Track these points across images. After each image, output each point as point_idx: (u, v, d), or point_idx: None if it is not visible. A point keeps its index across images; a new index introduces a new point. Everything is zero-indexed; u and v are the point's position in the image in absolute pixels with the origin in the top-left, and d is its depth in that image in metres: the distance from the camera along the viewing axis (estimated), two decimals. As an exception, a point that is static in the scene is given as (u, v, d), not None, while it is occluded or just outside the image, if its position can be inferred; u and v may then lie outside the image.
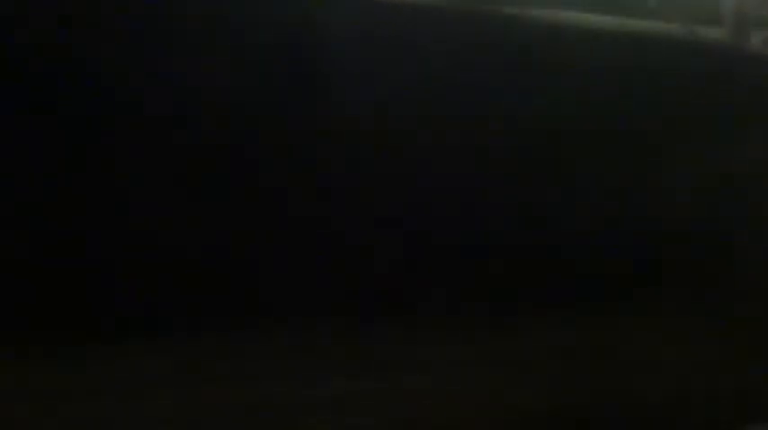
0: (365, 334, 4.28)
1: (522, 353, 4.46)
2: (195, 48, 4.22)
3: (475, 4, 4.78)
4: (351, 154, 4.52)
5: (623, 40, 5.36)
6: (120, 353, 3.77)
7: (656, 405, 4.38)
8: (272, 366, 3.98)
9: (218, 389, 3.74)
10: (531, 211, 4.98)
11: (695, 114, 5.59)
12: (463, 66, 4.71)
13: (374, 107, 4.53)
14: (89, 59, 3.99)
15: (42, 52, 3.92)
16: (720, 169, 5.62)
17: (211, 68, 4.23)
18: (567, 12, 5.27)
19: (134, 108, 4.13)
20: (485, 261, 4.78)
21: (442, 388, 4.12)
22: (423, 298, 4.59)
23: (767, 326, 5.21)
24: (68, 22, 3.97)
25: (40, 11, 3.94)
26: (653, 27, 5.63)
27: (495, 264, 4.82)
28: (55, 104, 3.97)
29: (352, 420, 3.78)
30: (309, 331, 4.18)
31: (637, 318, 4.96)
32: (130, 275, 4.06)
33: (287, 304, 4.37)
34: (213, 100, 4.25)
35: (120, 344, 3.82)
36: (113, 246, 4.08)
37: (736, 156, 5.68)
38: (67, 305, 3.95)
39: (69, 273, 3.97)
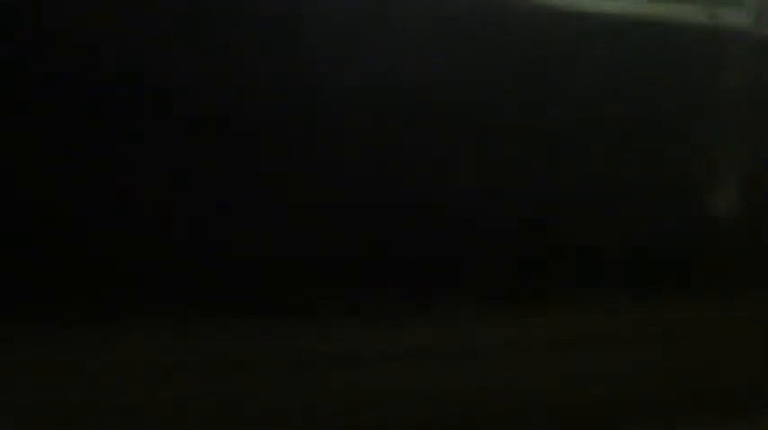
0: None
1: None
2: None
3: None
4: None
5: (637, 25, 5.34)
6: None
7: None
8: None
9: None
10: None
11: (713, 101, 5.57)
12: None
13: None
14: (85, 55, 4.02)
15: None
16: (742, 157, 5.59)
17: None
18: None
19: (135, 90, 4.15)
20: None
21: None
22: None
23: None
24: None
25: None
26: (671, 11, 5.60)
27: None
28: (54, 93, 4.01)
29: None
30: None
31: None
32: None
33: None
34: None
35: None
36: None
37: (758, 144, 5.66)
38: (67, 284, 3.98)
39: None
